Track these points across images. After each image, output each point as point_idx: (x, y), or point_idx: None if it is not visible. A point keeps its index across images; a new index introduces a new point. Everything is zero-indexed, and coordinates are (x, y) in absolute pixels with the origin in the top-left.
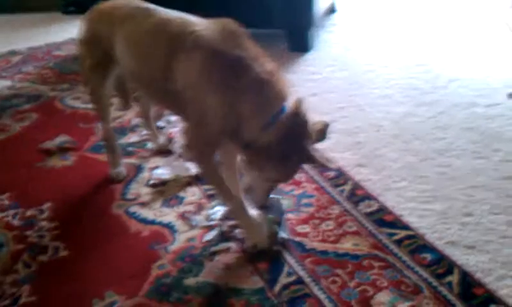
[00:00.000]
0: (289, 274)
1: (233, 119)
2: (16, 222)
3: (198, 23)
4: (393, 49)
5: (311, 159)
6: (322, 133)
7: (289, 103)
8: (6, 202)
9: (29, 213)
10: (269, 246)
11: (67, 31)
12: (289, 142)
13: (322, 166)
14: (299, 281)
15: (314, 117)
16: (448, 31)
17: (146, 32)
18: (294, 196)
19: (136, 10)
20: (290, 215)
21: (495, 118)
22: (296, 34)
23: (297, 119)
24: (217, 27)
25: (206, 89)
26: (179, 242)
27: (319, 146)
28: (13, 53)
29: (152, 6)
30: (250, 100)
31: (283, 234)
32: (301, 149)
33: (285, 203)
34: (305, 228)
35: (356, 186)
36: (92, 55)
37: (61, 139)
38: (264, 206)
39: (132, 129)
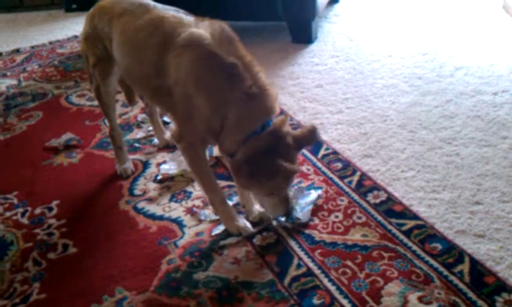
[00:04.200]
0: (299, 266)
1: (218, 124)
2: (25, 220)
3: (193, 22)
4: (397, 39)
5: (281, 171)
6: (311, 136)
7: (275, 118)
8: (15, 201)
9: (37, 211)
10: (243, 232)
11: (70, 29)
12: (258, 160)
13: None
14: (309, 273)
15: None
16: (451, 19)
17: (141, 28)
18: (302, 188)
19: (133, 6)
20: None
21: (502, 105)
22: (300, 25)
23: (275, 136)
24: (214, 29)
25: (196, 88)
26: (188, 236)
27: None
28: (17, 51)
29: (150, 2)
30: (236, 113)
31: (299, 215)
32: (270, 164)
33: (317, 194)
34: (314, 220)
35: (364, 177)
36: (94, 52)
37: (67, 136)
38: (289, 213)
39: (138, 125)
